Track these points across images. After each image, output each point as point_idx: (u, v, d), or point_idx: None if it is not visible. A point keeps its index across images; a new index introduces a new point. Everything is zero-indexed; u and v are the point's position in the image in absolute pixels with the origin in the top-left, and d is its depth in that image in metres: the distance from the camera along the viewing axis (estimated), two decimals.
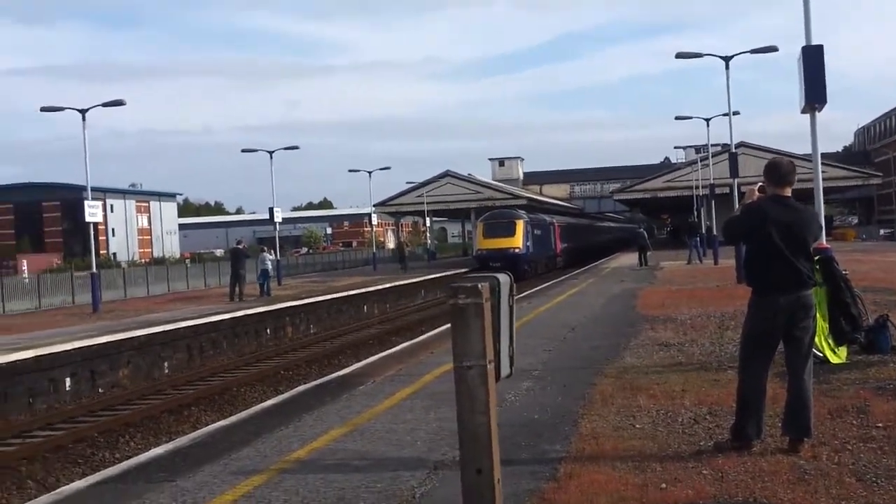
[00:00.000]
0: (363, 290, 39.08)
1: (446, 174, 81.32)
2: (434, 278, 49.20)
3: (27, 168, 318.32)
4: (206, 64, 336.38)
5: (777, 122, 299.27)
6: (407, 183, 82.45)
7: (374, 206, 74.79)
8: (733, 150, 34.40)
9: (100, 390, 20.35)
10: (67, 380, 19.60)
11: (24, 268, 68.41)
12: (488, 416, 5.44)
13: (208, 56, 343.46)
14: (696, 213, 63.57)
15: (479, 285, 5.48)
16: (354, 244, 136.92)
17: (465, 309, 5.44)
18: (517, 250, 51.98)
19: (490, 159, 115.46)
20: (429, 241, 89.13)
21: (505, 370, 5.91)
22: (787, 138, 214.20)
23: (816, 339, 9.50)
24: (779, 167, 7.58)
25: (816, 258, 8.46)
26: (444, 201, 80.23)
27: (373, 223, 74.29)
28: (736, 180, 32.23)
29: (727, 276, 30.34)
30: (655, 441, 8.14)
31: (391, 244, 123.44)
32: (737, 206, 26.00)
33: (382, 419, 10.03)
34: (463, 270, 52.84)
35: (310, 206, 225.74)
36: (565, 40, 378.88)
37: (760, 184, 7.72)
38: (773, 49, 34.17)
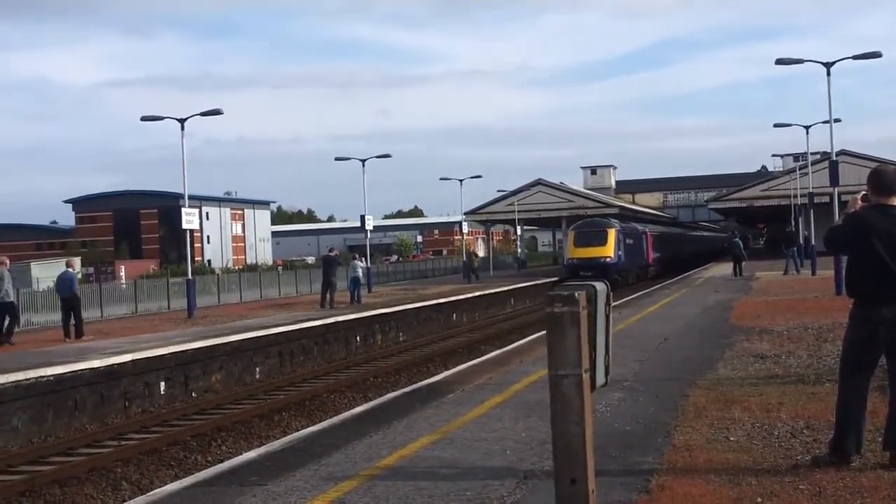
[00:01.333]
0: (453, 299, 39.11)
1: (537, 182, 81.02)
2: (524, 287, 49.05)
3: (127, 176, 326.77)
4: (300, 74, 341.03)
5: (879, 130, 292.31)
6: (498, 191, 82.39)
7: (464, 214, 74.86)
8: (834, 158, 33.63)
9: (193, 394, 20.68)
10: (162, 384, 19.95)
11: (122, 273, 70.02)
12: (583, 426, 5.37)
13: (303, 66, 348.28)
14: (793, 222, 62.31)
15: (576, 293, 5.42)
16: (444, 252, 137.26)
17: (562, 317, 5.38)
18: (608, 259, 51.52)
19: (582, 167, 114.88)
20: (519, 250, 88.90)
21: (600, 380, 5.84)
22: (889, 146, 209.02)
23: None
24: (883, 175, 7.36)
25: None
26: (534, 210, 79.94)
27: (463, 231, 74.41)
28: (836, 189, 31.52)
29: (826, 287, 29.69)
30: (750, 454, 7.96)
31: (481, 252, 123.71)
32: (837, 215, 25.38)
33: (471, 428, 9.99)
34: (553, 279, 52.62)
35: (400, 215, 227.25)
36: (659, 47, 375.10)
37: (864, 192, 7.51)
38: (876, 55, 33.34)
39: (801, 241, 50.61)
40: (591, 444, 5.45)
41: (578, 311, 5.34)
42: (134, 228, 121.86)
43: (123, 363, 18.98)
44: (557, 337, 5.36)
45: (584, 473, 5.36)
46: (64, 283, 25.72)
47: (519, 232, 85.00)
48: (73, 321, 25.07)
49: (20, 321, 26.45)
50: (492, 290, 45.07)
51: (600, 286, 5.85)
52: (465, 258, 61.71)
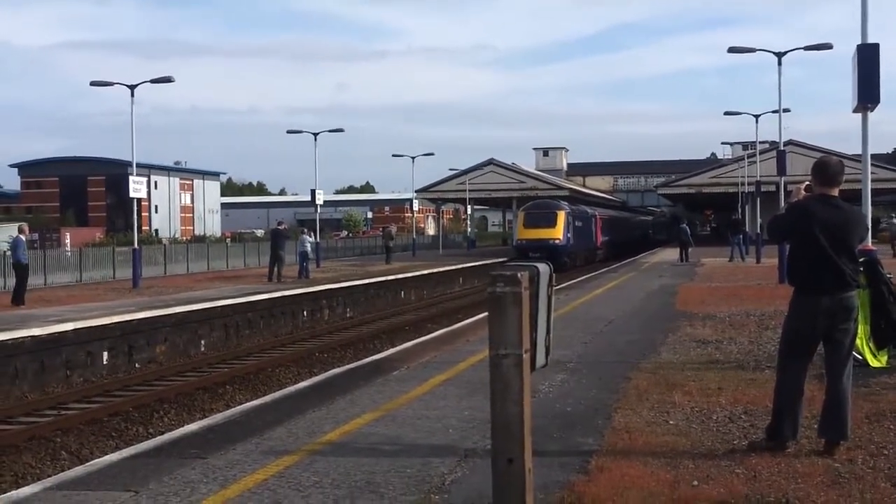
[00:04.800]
0: (401, 276, 39.11)
1: (489, 162, 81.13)
2: (472, 266, 49.16)
3: (74, 141, 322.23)
4: (257, 45, 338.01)
5: (828, 121, 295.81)
6: (450, 170, 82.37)
7: (415, 191, 74.80)
8: (781, 148, 34.03)
9: (136, 365, 20.53)
10: (105, 354, 19.77)
11: (68, 241, 69.12)
12: (521, 405, 5.40)
13: (262, 37, 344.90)
14: (740, 210, 63.00)
15: (519, 274, 5.44)
16: (395, 229, 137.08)
17: (503, 297, 5.40)
18: (557, 241, 51.77)
19: (534, 149, 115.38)
20: (469, 229, 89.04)
21: (540, 360, 5.87)
22: (836, 138, 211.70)
23: (857, 342, 9.36)
24: (827, 166, 7.46)
25: (861, 260, 8.33)
26: (486, 189, 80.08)
27: (414, 209, 74.41)
28: (783, 178, 31.90)
29: (769, 274, 30.08)
30: (689, 438, 8.07)
31: (431, 231, 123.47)
32: (783, 204, 25.73)
33: (415, 405, 10.02)
34: (501, 260, 52.74)
35: (352, 190, 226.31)
36: (616, 31, 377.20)
37: (808, 182, 7.62)
38: (827, 46, 33.72)
39: (747, 229, 51.19)
40: (530, 424, 5.49)
41: (520, 292, 5.36)
42: (81, 195, 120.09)
43: (65, 332, 18.78)
44: (499, 317, 5.38)
45: (522, 453, 5.40)
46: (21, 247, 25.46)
47: (469, 211, 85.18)
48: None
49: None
50: (440, 269, 45.11)
51: (543, 268, 5.87)
52: (383, 237, 58.39)
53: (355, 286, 33.94)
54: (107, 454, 9.98)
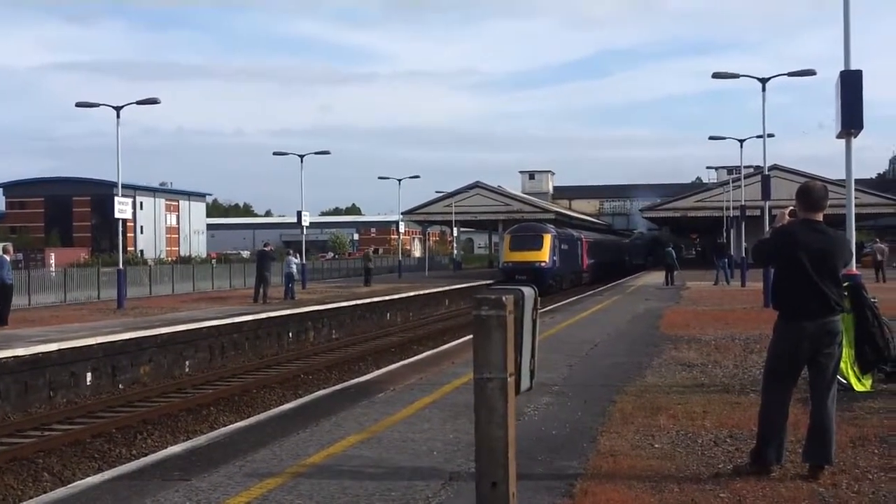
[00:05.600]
0: (387, 298, 39.06)
1: (475, 185, 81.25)
2: (458, 289, 49.14)
3: (60, 162, 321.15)
4: (244, 67, 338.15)
5: (811, 147, 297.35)
6: (436, 192, 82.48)
7: (402, 213, 74.84)
8: (766, 173, 34.17)
9: (120, 386, 20.42)
10: (89, 374, 19.67)
11: (52, 261, 68.92)
12: (506, 429, 5.40)
13: (247, 60, 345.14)
14: (725, 234, 63.22)
15: (504, 297, 5.44)
16: (381, 251, 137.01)
17: (488, 320, 5.40)
18: (543, 264, 51.84)
19: (520, 172, 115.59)
20: (455, 252, 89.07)
21: (525, 384, 5.88)
22: (819, 163, 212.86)
23: (842, 366, 9.41)
24: (811, 191, 7.50)
25: (845, 284, 8.36)
26: (472, 212, 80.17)
27: (400, 231, 74.41)
28: (767, 203, 32.03)
29: (754, 298, 30.16)
30: (674, 461, 8.07)
31: (417, 252, 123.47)
32: (767, 228, 25.78)
33: (400, 428, 9.99)
34: (488, 282, 52.74)
35: (338, 212, 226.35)
36: (601, 57, 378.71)
37: (792, 207, 7.65)
38: (810, 73, 33.92)
39: (732, 253, 51.37)
40: (514, 447, 5.48)
41: (505, 315, 5.36)
42: (66, 216, 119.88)
43: (49, 352, 18.68)
44: (483, 340, 5.39)
45: (506, 476, 5.39)
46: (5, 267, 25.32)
47: (455, 233, 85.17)
48: None
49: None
50: (426, 291, 45.08)
51: (528, 291, 5.88)
52: (363, 259, 58.03)
53: (341, 308, 33.88)
54: (89, 476, 9.91)
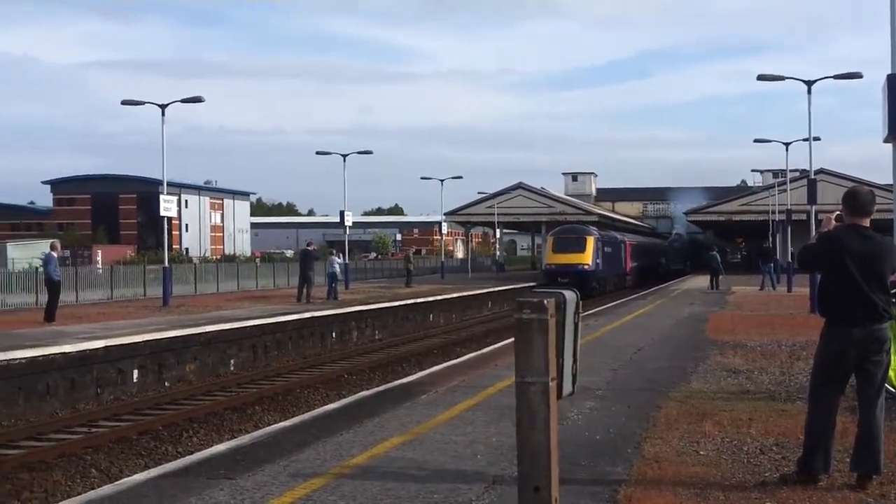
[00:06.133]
0: (430, 299, 39.11)
1: (518, 186, 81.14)
2: (501, 290, 49.10)
3: (106, 160, 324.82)
4: (285, 66, 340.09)
5: (859, 151, 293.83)
6: (478, 193, 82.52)
7: (444, 214, 74.94)
8: (812, 177, 33.86)
9: (166, 384, 20.61)
10: (135, 371, 19.88)
11: (99, 258, 69.62)
12: (548, 433, 5.39)
13: (288, 58, 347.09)
14: (770, 238, 62.68)
15: (545, 301, 5.43)
16: (423, 252, 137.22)
17: (530, 324, 5.39)
18: (586, 266, 51.65)
19: (563, 174, 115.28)
20: (497, 253, 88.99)
21: (567, 388, 5.85)
22: (866, 167, 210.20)
23: (890, 374, 9.28)
24: (858, 196, 7.42)
25: (893, 291, 8.26)
26: (514, 213, 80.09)
27: (442, 232, 74.45)
28: (813, 207, 31.74)
29: (801, 304, 29.87)
30: (719, 469, 8.01)
31: (460, 254, 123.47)
32: (813, 233, 25.50)
33: (443, 430, 10.01)
34: (530, 284, 52.66)
35: (380, 212, 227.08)
36: (643, 58, 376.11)
37: (838, 212, 7.57)
38: (857, 75, 33.59)
39: (778, 257, 50.92)
40: (556, 452, 5.47)
41: (546, 319, 5.35)
42: (112, 213, 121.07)
43: (96, 349, 18.90)
44: (525, 344, 5.38)
45: (548, 481, 5.38)
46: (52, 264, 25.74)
47: (498, 235, 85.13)
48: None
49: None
50: (469, 293, 45.08)
51: (570, 294, 5.86)
52: (404, 261, 58.40)
53: (384, 308, 33.97)
54: (136, 473, 10.02)
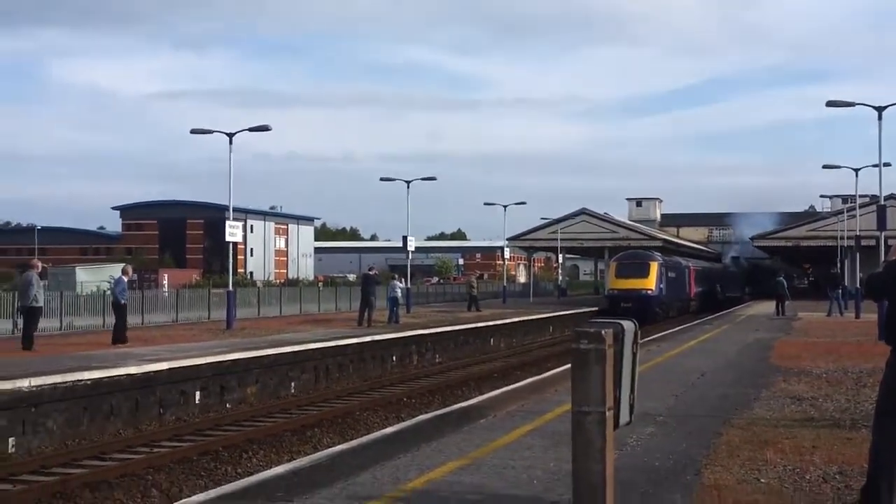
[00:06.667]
0: (491, 323, 39.05)
1: (581, 212, 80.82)
2: (563, 315, 48.88)
3: (175, 186, 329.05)
4: (352, 94, 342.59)
5: None
6: (541, 218, 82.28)
7: (507, 239, 74.81)
8: (882, 202, 33.31)
9: (227, 405, 20.79)
10: (198, 393, 20.08)
11: (165, 282, 70.58)
12: (604, 463, 5.34)
13: (356, 87, 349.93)
14: (839, 264, 61.70)
15: (603, 331, 5.40)
16: (485, 276, 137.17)
17: (587, 354, 5.36)
18: (650, 292, 51.23)
19: (627, 199, 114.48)
20: (560, 278, 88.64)
21: (624, 418, 5.81)
22: None
23: None
24: None
25: None
26: (577, 239, 79.73)
27: (505, 257, 74.35)
28: (883, 233, 31.21)
29: (868, 331, 29.30)
30: (780, 497, 7.87)
31: (522, 278, 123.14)
32: (882, 259, 25.06)
33: (501, 454, 9.96)
34: (592, 309, 52.34)
35: (443, 237, 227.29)
36: (710, 84, 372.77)
37: None
38: None
39: (846, 283, 50.12)
40: (613, 481, 5.42)
41: (604, 349, 5.32)
42: (179, 238, 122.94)
43: (160, 371, 19.13)
44: (582, 373, 5.34)
45: None
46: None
47: (560, 260, 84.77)
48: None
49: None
50: (531, 317, 44.95)
51: (628, 325, 5.81)
52: (466, 286, 57.99)
53: (445, 332, 33.97)
54: (195, 493, 10.10)
